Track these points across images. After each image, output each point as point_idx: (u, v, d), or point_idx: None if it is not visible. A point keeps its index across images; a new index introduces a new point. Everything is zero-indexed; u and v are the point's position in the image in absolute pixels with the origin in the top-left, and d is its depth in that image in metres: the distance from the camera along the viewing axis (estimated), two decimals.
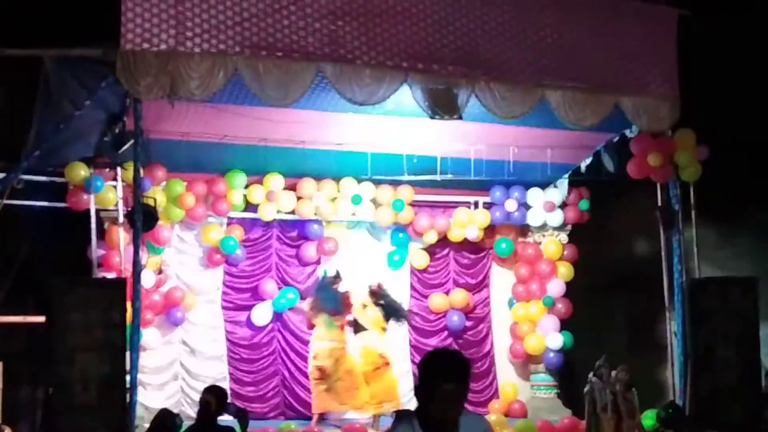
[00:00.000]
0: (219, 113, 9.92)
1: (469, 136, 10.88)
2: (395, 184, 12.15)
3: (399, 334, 12.35)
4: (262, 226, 12.19)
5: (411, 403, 11.31)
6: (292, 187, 11.95)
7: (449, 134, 10.78)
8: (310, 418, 11.23)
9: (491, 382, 12.84)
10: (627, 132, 10.90)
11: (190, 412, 10.63)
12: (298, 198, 11.97)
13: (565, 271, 12.81)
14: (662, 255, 10.68)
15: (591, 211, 12.81)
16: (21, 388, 10.81)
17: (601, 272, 12.98)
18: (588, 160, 11.95)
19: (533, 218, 12.77)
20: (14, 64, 8.84)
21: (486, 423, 3.82)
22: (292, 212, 12.02)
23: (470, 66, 9.40)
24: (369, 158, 11.27)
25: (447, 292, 12.86)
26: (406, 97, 9.28)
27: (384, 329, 11.31)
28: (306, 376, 11.76)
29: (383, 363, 11.14)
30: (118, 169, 9.88)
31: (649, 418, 10.14)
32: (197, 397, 7.94)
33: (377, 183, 12.12)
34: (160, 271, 11.42)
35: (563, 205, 12.81)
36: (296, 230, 12.34)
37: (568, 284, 12.83)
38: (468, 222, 12.59)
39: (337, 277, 11.46)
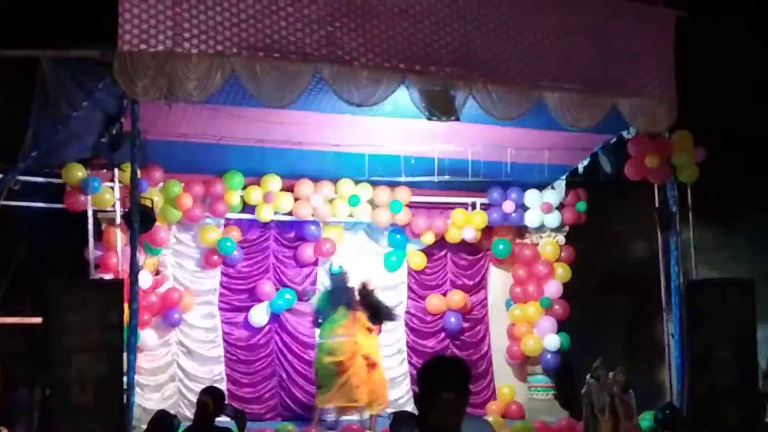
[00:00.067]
0: (216, 114, 9.92)
1: (466, 138, 10.89)
2: (393, 185, 12.14)
3: (395, 335, 12.37)
4: (260, 227, 12.17)
5: (402, 405, 11.41)
6: (289, 189, 11.94)
7: (446, 136, 10.78)
8: (307, 419, 11.20)
9: (488, 383, 12.80)
10: (624, 133, 10.89)
11: (187, 413, 10.58)
12: (296, 199, 11.96)
13: (563, 272, 12.81)
14: (660, 256, 10.66)
15: (588, 212, 12.79)
16: (18, 389, 10.77)
17: (599, 273, 12.99)
18: (585, 162, 11.93)
19: (531, 219, 12.76)
20: (11, 64, 8.81)
21: (488, 425, 3.81)
22: (290, 213, 12.00)
23: (467, 67, 9.38)
24: (366, 159, 11.27)
25: (444, 294, 12.83)
26: (404, 98, 9.27)
27: (369, 329, 11.18)
28: (303, 377, 11.75)
29: (368, 364, 10.98)
30: (116, 170, 9.90)
31: (646, 419, 10.13)
32: (194, 398, 7.94)
33: (375, 184, 12.11)
34: (157, 273, 11.40)
35: (561, 207, 12.80)
36: (294, 231, 12.32)
37: (566, 285, 12.82)
38: (465, 223, 12.58)
39: (345, 272, 11.43)
